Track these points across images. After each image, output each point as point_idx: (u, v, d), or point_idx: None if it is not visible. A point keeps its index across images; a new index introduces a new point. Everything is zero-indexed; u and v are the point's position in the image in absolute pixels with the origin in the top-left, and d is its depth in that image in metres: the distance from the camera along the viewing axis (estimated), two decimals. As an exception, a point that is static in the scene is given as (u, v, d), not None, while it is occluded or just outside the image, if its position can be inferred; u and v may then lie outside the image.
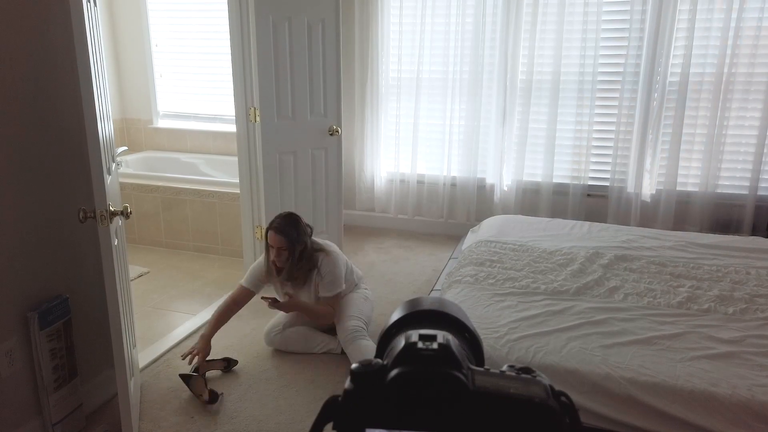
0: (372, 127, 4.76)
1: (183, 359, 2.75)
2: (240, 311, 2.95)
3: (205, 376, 2.70)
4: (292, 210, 3.75)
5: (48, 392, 2.25)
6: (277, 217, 2.83)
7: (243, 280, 2.96)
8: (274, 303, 2.76)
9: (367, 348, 2.79)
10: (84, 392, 2.46)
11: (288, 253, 2.79)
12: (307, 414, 2.52)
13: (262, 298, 2.80)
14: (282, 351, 3.00)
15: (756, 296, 2.58)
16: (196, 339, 3.11)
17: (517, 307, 2.50)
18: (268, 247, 2.84)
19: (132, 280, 3.78)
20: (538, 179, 4.50)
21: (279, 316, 3.06)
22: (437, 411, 0.48)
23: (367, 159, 4.85)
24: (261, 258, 2.97)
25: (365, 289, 3.15)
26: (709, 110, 4.03)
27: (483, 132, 4.53)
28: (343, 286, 2.94)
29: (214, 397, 2.57)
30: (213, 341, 3.03)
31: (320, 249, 2.91)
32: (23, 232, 2.18)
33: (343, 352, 2.90)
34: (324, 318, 2.90)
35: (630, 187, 4.30)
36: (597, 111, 4.28)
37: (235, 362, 2.85)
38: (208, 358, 2.77)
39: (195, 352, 2.73)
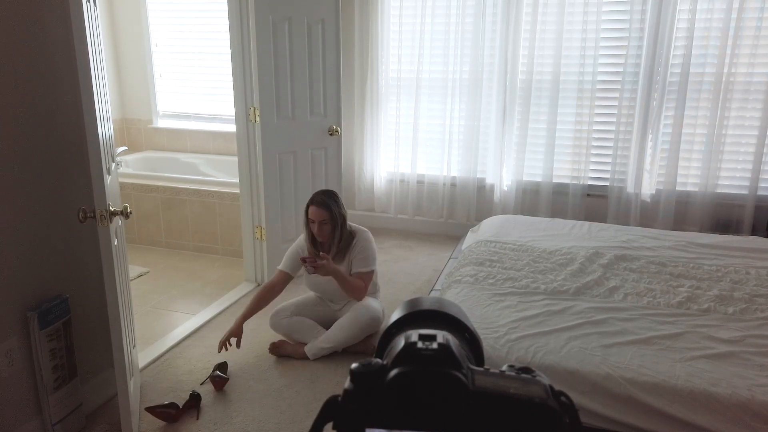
0: (372, 127, 4.76)
1: (220, 352, 2.84)
2: (240, 312, 2.96)
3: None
4: (293, 211, 3.78)
5: (48, 392, 2.25)
6: (316, 194, 2.92)
7: (281, 264, 3.05)
8: (311, 262, 2.78)
9: (376, 305, 3.00)
10: (84, 392, 2.46)
11: (331, 226, 2.87)
12: (307, 414, 2.52)
13: (301, 259, 2.85)
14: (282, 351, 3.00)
15: (756, 296, 2.59)
16: (196, 339, 3.13)
17: (517, 307, 2.50)
18: (308, 224, 2.91)
19: (132, 280, 3.78)
20: (538, 179, 4.50)
21: (289, 302, 3.08)
22: (437, 411, 0.48)
23: (367, 159, 4.85)
24: (297, 241, 3.04)
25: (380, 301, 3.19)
26: (709, 110, 4.03)
27: (483, 132, 4.53)
28: (376, 266, 3.01)
29: (195, 400, 2.57)
30: (214, 342, 3.04)
31: (358, 228, 3.02)
32: (23, 232, 2.18)
33: (343, 352, 2.93)
34: (355, 291, 2.91)
35: (630, 187, 4.30)
36: (597, 111, 4.28)
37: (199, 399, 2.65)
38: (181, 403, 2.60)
39: (228, 336, 2.83)
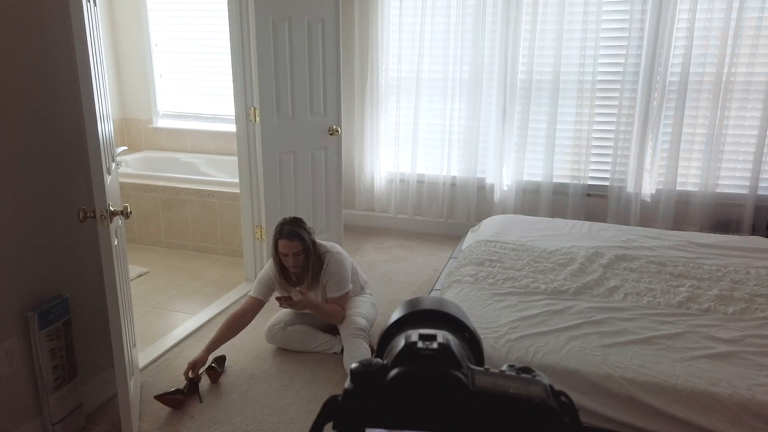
0: (372, 127, 4.76)
1: (187, 378, 2.67)
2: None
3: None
4: (293, 211, 3.78)
5: (48, 392, 2.25)
6: (283, 225, 2.81)
7: (252, 291, 2.97)
8: (286, 300, 2.76)
9: (364, 353, 2.80)
10: (84, 392, 2.46)
11: (305, 256, 2.81)
12: (307, 414, 2.52)
13: (276, 298, 2.81)
14: (282, 350, 3.01)
15: (756, 296, 2.59)
16: (196, 339, 3.13)
17: (517, 306, 2.50)
18: (277, 256, 2.84)
19: (132, 280, 3.78)
20: (538, 179, 4.50)
21: (281, 313, 3.07)
22: (437, 411, 0.48)
23: (367, 159, 4.85)
24: (266, 268, 2.97)
25: (370, 295, 3.19)
26: (709, 110, 4.03)
27: (483, 132, 4.53)
28: (350, 286, 2.96)
29: (193, 386, 2.67)
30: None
31: (326, 250, 2.93)
32: (23, 232, 2.18)
33: (342, 351, 2.91)
34: (333, 317, 2.90)
35: (630, 187, 4.30)
36: (597, 111, 4.28)
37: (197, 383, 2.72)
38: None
39: (191, 366, 2.69)
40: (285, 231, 2.77)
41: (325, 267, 2.89)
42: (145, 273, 4.03)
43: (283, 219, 2.86)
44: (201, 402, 2.61)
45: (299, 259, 2.81)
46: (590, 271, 2.86)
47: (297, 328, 3.00)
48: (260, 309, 2.94)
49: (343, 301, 2.93)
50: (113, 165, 2.50)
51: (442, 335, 0.52)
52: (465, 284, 2.74)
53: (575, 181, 4.39)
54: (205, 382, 2.74)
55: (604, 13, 4.12)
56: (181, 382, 2.68)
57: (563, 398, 0.50)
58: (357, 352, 2.78)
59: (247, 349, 3.01)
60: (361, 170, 4.91)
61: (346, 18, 4.50)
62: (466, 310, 0.67)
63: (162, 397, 2.54)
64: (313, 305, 2.84)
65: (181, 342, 3.10)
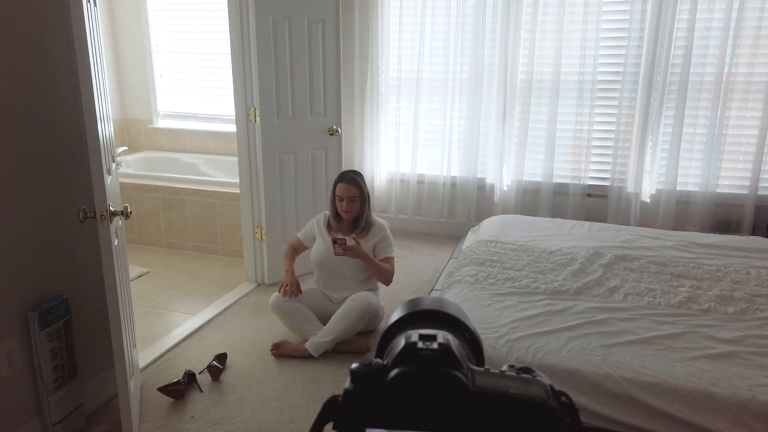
0: (372, 127, 4.76)
1: (282, 293, 2.97)
2: (240, 312, 2.96)
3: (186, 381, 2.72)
4: (294, 211, 3.78)
5: (48, 392, 2.25)
6: (344, 172, 3.09)
7: (299, 233, 3.27)
8: (341, 244, 2.87)
9: (372, 296, 3.01)
10: (84, 392, 2.46)
11: (360, 202, 3.01)
12: (307, 414, 2.52)
13: (332, 239, 2.91)
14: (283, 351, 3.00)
15: (756, 296, 2.59)
16: (196, 339, 3.13)
17: (517, 307, 2.50)
18: (334, 201, 3.02)
19: (132, 280, 3.78)
20: (538, 179, 4.50)
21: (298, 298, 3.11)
22: (437, 411, 0.48)
23: (367, 159, 4.85)
24: (318, 218, 3.20)
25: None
26: (709, 110, 4.03)
27: (483, 132, 4.53)
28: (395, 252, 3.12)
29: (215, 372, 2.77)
30: (214, 342, 3.06)
31: (375, 218, 3.14)
32: (23, 232, 2.18)
33: (343, 352, 2.93)
34: (384, 274, 3.02)
35: (630, 187, 4.30)
36: (597, 111, 4.28)
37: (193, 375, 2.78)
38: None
39: (289, 283, 2.98)
40: (346, 176, 3.02)
41: (375, 228, 3.06)
42: (145, 273, 4.03)
43: (346, 169, 3.15)
44: (201, 392, 2.66)
45: (353, 206, 2.98)
46: (590, 271, 2.86)
47: (301, 307, 3.02)
48: (303, 250, 3.24)
49: (391, 263, 3.06)
50: (113, 165, 2.51)
51: (442, 335, 0.52)
52: (465, 284, 2.73)
53: (575, 182, 4.39)
54: (206, 379, 2.75)
55: (604, 13, 4.12)
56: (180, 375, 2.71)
57: (563, 398, 0.50)
58: (359, 297, 2.96)
59: (247, 350, 3.00)
60: (361, 170, 4.90)
61: (346, 18, 4.50)
62: (466, 311, 0.67)
63: (165, 389, 2.61)
64: (365, 256, 2.96)
65: (181, 342, 3.10)
